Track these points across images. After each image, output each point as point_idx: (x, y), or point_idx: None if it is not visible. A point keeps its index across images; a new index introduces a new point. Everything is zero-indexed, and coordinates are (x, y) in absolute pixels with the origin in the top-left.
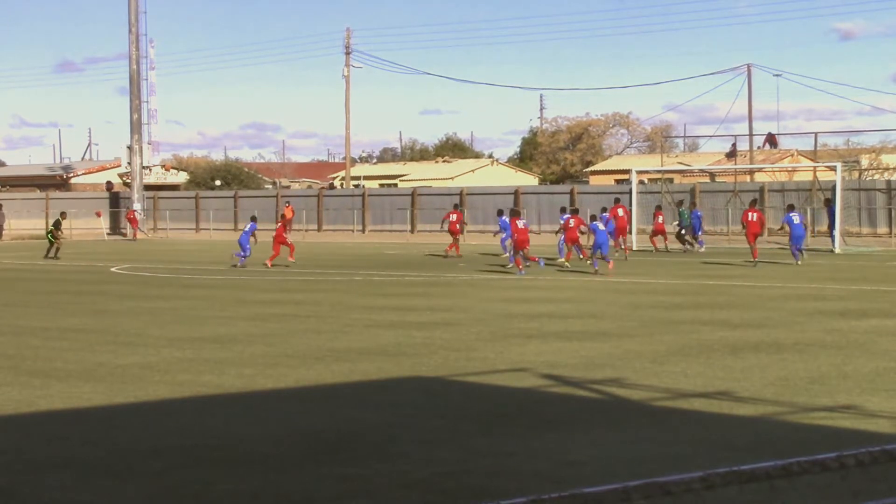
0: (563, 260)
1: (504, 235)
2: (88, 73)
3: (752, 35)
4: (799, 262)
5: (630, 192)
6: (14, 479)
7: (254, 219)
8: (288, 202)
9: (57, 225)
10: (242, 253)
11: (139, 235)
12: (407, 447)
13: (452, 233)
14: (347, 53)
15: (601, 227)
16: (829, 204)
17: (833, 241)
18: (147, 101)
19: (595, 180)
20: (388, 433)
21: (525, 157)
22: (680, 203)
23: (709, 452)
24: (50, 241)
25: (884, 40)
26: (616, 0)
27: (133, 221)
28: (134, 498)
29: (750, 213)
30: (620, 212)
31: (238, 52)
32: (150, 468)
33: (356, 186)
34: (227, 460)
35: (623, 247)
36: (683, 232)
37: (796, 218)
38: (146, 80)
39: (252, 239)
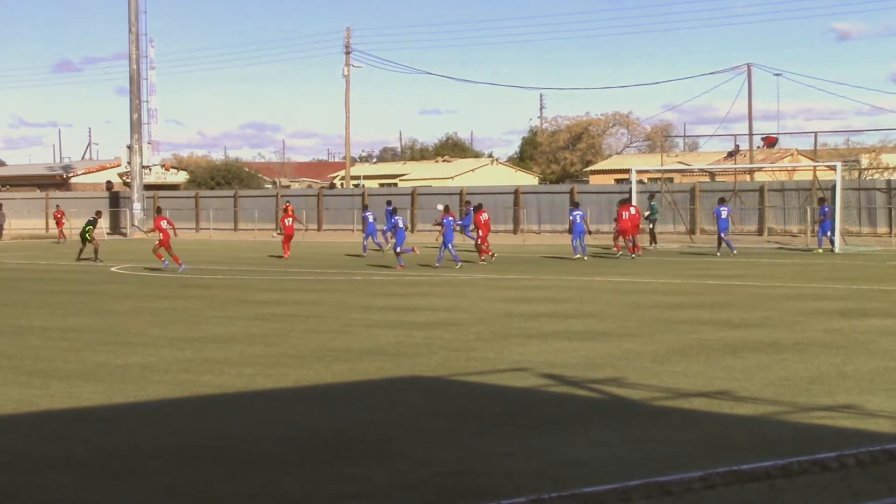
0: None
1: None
2: (87, 72)
3: (752, 35)
4: (734, 251)
5: (630, 192)
6: (14, 479)
7: (395, 211)
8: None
9: (94, 223)
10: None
11: (137, 236)
12: (407, 447)
13: (288, 236)
14: (347, 53)
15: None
16: (823, 203)
17: (819, 241)
18: (147, 101)
19: (595, 180)
20: (388, 433)
21: (525, 157)
22: (651, 196)
23: (709, 452)
24: (85, 240)
25: (882, 40)
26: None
27: (59, 222)
28: (134, 498)
29: (624, 212)
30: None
31: (238, 52)
32: (150, 468)
33: (356, 186)
34: (227, 460)
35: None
36: (652, 227)
37: (724, 213)
38: (146, 79)
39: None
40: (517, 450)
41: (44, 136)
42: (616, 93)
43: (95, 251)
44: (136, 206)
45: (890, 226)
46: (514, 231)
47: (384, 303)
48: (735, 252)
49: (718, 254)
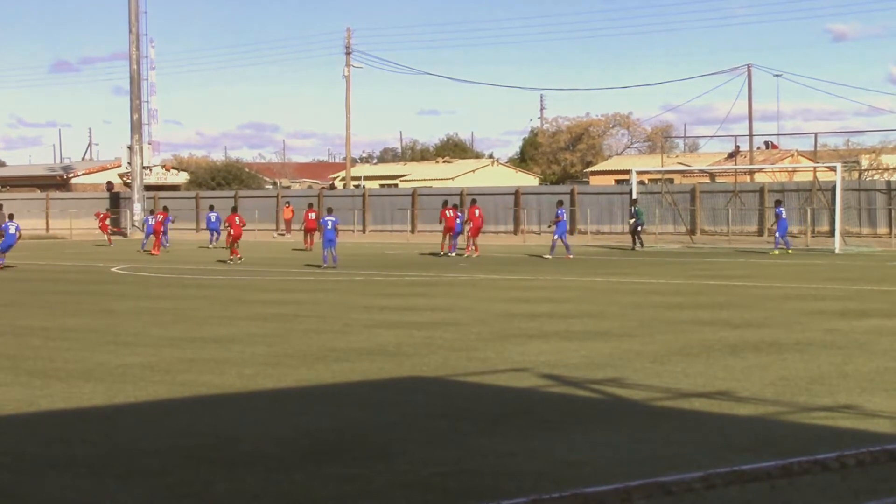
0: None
1: None
2: (84, 73)
3: (752, 36)
4: (570, 255)
5: (630, 193)
6: (14, 478)
7: (329, 210)
8: (288, 202)
9: None
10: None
11: (137, 236)
12: (407, 447)
13: (155, 232)
14: (348, 53)
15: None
16: (778, 205)
17: (776, 242)
18: (147, 101)
19: (595, 180)
20: (388, 433)
21: (525, 158)
22: (635, 201)
23: (709, 452)
24: None
25: (880, 41)
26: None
27: (104, 227)
28: (134, 498)
29: (448, 211)
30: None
31: (238, 52)
32: (150, 468)
33: (357, 186)
34: (227, 460)
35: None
36: (640, 229)
37: (563, 215)
38: (146, 80)
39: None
40: (518, 450)
41: (42, 137)
42: (616, 93)
43: None
44: (137, 206)
45: (890, 226)
46: (515, 231)
47: (384, 303)
48: (571, 257)
49: (571, 254)
